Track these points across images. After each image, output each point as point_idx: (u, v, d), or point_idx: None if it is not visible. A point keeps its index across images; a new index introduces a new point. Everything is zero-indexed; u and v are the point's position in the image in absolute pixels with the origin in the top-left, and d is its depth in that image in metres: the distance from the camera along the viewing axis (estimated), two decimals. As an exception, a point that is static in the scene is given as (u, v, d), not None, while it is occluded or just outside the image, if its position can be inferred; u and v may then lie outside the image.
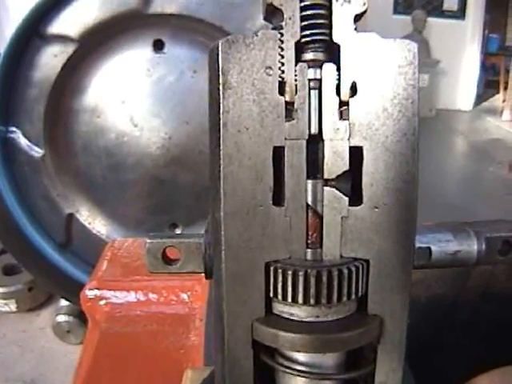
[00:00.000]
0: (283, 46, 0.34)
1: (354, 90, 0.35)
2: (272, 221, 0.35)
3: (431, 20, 7.79)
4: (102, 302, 1.04)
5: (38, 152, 2.01)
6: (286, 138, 0.35)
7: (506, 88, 8.20)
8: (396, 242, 0.36)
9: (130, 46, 1.93)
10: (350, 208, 0.36)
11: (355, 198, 0.36)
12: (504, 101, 8.10)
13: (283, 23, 0.34)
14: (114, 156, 2.01)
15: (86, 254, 2.11)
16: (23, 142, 1.99)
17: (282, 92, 0.34)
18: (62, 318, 2.37)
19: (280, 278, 0.35)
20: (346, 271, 0.35)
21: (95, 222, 2.14)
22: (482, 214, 4.08)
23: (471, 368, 0.68)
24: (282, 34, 0.34)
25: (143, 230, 2.12)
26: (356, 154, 0.35)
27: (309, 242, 0.36)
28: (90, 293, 1.04)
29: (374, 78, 0.35)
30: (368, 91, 0.35)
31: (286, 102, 0.35)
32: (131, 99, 1.97)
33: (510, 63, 8.32)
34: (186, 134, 1.97)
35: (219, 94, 0.34)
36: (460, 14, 8.14)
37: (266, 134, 0.34)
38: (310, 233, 0.36)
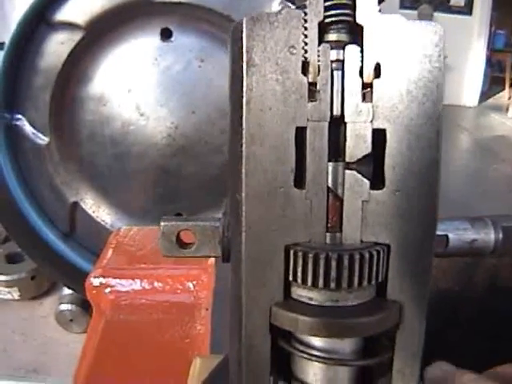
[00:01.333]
0: (306, 25, 0.34)
1: (377, 71, 0.34)
2: (292, 203, 0.35)
3: (438, 15, 7.77)
4: (107, 290, 1.04)
5: (43, 140, 2.00)
6: (308, 120, 0.34)
7: (511, 85, 8.18)
8: (417, 227, 0.36)
9: (138, 35, 1.92)
10: (372, 192, 0.35)
11: (377, 181, 0.35)
12: (510, 98, 8.09)
13: (307, 2, 0.34)
14: (119, 145, 2.01)
15: (90, 243, 2.10)
16: (28, 129, 1.99)
17: (305, 72, 0.34)
18: (64, 307, 2.37)
19: (300, 262, 0.35)
20: (367, 255, 0.34)
21: (99, 211, 2.14)
22: (485, 211, 4.06)
23: (476, 363, 0.68)
24: (305, 14, 0.34)
25: (148, 220, 2.11)
26: (379, 136, 0.35)
27: (328, 225, 0.36)
28: (95, 281, 1.04)
29: (399, 60, 0.34)
30: (392, 73, 0.34)
31: (308, 82, 0.34)
32: (138, 88, 1.96)
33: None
34: (193, 123, 1.96)
35: (243, 72, 0.33)
36: (467, 9, 8.11)
37: (288, 114, 0.34)
38: (330, 216, 0.36)
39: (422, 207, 0.36)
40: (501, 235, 0.44)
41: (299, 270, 0.35)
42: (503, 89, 8.66)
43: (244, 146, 0.34)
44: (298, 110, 0.34)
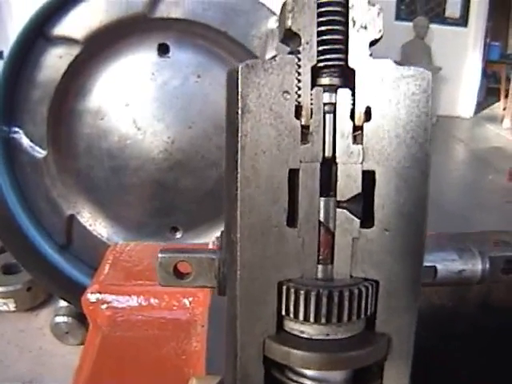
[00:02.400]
0: (300, 70, 0.35)
1: (368, 115, 0.35)
2: (286, 241, 0.36)
3: (433, 27, 7.82)
4: (104, 306, 1.04)
5: (40, 153, 2.02)
6: (300, 161, 0.35)
7: (506, 96, 8.23)
8: (405, 264, 0.37)
9: (135, 50, 1.95)
10: (362, 230, 0.37)
11: (367, 220, 0.37)
12: (504, 109, 8.13)
13: (301, 48, 0.35)
14: (116, 158, 2.02)
15: (86, 256, 2.12)
16: (26, 142, 2.00)
17: (298, 116, 0.35)
18: (60, 319, 2.37)
19: (292, 298, 0.36)
20: (356, 292, 0.36)
21: (96, 224, 2.15)
22: (480, 222, 4.09)
23: (470, 379, 0.69)
24: (299, 59, 0.35)
25: (144, 233, 2.13)
26: (368, 177, 0.36)
27: (320, 257, 0.37)
28: (91, 296, 1.05)
29: (388, 104, 0.35)
30: (382, 117, 0.35)
31: (301, 125, 0.35)
32: (135, 102, 1.98)
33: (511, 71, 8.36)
34: (189, 138, 1.98)
35: (238, 118, 0.35)
36: (462, 21, 8.17)
37: (282, 157, 0.35)
38: (321, 249, 0.37)
39: (409, 245, 0.37)
40: (487, 265, 0.45)
41: (291, 305, 0.36)
42: (498, 100, 8.70)
43: (239, 188, 0.35)
44: (291, 152, 0.35)
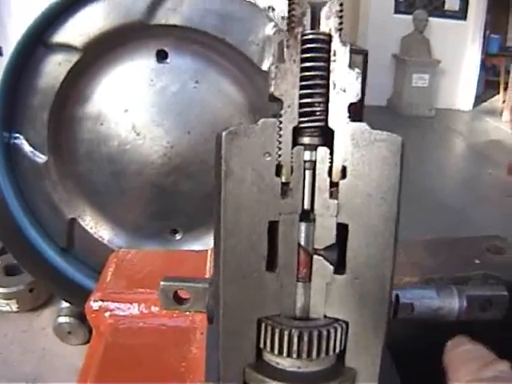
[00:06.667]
0: (281, 132, 0.38)
1: (343, 173, 0.39)
2: (265, 284, 0.40)
3: (432, 20, 7.81)
4: (107, 314, 1.06)
5: (41, 158, 2.04)
6: (280, 213, 0.39)
7: (505, 89, 8.21)
8: (372, 308, 0.41)
9: (134, 56, 1.96)
10: (335, 276, 0.41)
11: (339, 267, 0.41)
12: (504, 102, 8.12)
13: (282, 111, 0.38)
14: (116, 163, 2.05)
15: (88, 258, 2.15)
16: (27, 148, 2.02)
17: (278, 173, 0.39)
18: (63, 320, 2.40)
19: (269, 334, 0.41)
20: (325, 333, 0.40)
21: (97, 227, 2.17)
22: (479, 217, 4.11)
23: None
24: (280, 122, 0.38)
25: (144, 235, 2.16)
26: (342, 230, 0.40)
27: (299, 276, 0.41)
28: (94, 304, 1.07)
29: (362, 165, 0.39)
30: (355, 176, 0.39)
31: (282, 182, 0.39)
32: (134, 108, 2.00)
33: (511, 64, 8.34)
34: (188, 143, 2.00)
35: (221, 179, 0.38)
36: (461, 14, 8.15)
37: (262, 211, 0.39)
38: (300, 268, 0.41)
39: (376, 292, 0.41)
40: (465, 303, 0.49)
41: (268, 340, 0.41)
42: (497, 93, 8.70)
43: (222, 239, 0.39)
44: (271, 206, 0.39)
